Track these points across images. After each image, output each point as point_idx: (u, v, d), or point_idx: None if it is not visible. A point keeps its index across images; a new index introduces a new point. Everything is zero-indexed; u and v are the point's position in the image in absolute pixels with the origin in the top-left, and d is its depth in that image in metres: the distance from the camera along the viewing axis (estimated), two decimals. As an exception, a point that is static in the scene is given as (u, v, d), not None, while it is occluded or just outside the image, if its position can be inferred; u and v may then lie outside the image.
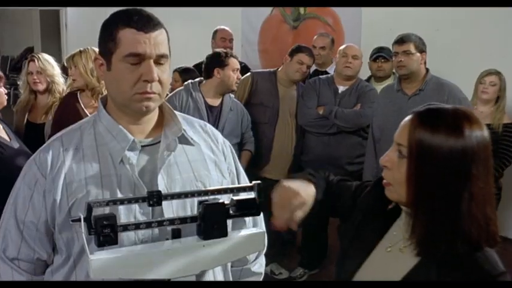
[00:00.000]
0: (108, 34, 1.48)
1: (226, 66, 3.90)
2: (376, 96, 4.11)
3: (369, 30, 6.06)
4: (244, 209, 1.41)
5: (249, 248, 1.46)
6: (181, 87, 4.03)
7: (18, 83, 4.04)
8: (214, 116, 3.92)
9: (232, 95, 4.09)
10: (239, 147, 4.12)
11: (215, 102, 3.96)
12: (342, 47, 4.35)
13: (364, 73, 5.13)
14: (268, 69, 4.62)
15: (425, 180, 1.29)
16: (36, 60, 3.83)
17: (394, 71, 4.72)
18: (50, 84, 3.84)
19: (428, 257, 1.29)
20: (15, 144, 3.08)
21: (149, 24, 1.46)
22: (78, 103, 3.46)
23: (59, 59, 8.47)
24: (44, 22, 10.77)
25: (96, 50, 3.44)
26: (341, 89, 4.21)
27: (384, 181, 1.38)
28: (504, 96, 4.26)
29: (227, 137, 3.90)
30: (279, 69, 4.49)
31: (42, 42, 10.95)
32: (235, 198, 1.41)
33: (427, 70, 3.72)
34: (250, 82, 4.41)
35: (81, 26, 8.93)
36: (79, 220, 1.28)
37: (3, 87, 3.27)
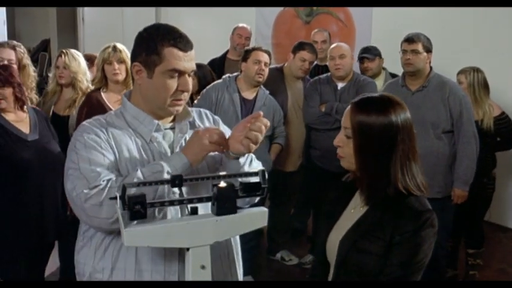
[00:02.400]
0: (152, 48, 1.84)
1: (248, 59, 4.22)
2: (375, 88, 4.37)
3: (379, 25, 6.30)
4: (250, 191, 1.72)
5: (254, 223, 1.77)
6: (219, 80, 4.35)
7: (49, 74, 4.33)
8: (247, 108, 4.22)
9: (267, 91, 4.37)
10: (270, 140, 4.41)
11: (249, 95, 4.28)
12: (330, 48, 4.59)
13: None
14: (274, 66, 4.88)
15: (367, 150, 1.78)
16: (63, 56, 4.10)
17: (384, 66, 5.02)
18: (73, 80, 4.09)
19: (374, 203, 1.78)
20: (32, 137, 3.29)
21: (188, 45, 1.86)
22: (102, 99, 3.78)
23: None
24: (61, 15, 10.99)
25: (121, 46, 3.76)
26: (340, 85, 4.46)
27: (338, 155, 1.86)
28: (477, 92, 4.37)
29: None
30: (285, 65, 4.78)
31: (58, 35, 11.17)
32: (243, 181, 1.72)
33: (431, 68, 3.97)
34: None
35: (98, 20, 9.19)
36: (115, 198, 1.61)
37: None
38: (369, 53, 4.98)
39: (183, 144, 1.95)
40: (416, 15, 5.70)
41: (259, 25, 7.55)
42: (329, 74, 4.60)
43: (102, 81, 3.85)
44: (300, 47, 4.65)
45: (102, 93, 3.81)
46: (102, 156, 1.82)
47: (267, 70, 4.26)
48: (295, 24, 7.36)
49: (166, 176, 1.75)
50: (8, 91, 3.26)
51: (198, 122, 2.07)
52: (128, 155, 1.86)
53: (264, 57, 4.23)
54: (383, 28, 6.15)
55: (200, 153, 1.84)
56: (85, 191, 1.75)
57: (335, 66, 4.43)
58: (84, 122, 1.96)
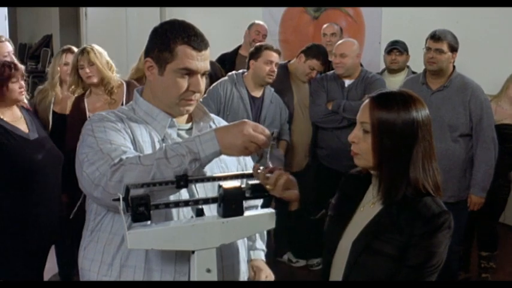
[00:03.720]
0: (165, 45, 1.82)
1: (259, 58, 4.20)
2: (384, 85, 4.33)
3: (389, 21, 6.26)
4: (258, 192, 1.71)
5: (261, 225, 1.76)
6: (225, 78, 4.32)
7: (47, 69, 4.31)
8: (256, 106, 4.21)
9: (272, 89, 4.34)
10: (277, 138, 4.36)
11: (257, 93, 4.26)
12: (335, 45, 4.57)
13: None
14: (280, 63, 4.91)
15: (386, 147, 1.74)
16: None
17: (408, 64, 5.00)
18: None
19: (391, 202, 1.74)
20: (33, 136, 3.29)
21: (202, 44, 1.83)
22: (83, 104, 3.78)
23: (78, 48, 8.75)
24: (63, 10, 10.99)
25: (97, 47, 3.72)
26: (347, 82, 4.44)
27: (353, 152, 1.82)
28: None
29: (267, 127, 4.19)
30: (291, 63, 4.75)
31: (61, 31, 11.18)
32: (250, 182, 1.71)
33: (454, 67, 3.90)
34: None
35: (101, 15, 9.16)
36: (118, 199, 1.59)
37: (19, 82, 3.35)
38: (400, 46, 4.97)
39: None
40: (427, 10, 5.64)
41: (266, 21, 7.45)
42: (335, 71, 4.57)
43: (78, 84, 3.85)
44: (314, 55, 4.55)
45: (85, 99, 3.82)
46: (123, 139, 1.80)
47: (276, 70, 4.24)
48: (303, 20, 7.32)
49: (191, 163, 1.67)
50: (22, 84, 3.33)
51: (216, 124, 2.01)
52: (144, 148, 1.84)
53: (276, 58, 4.23)
54: (393, 24, 6.11)
55: (233, 151, 1.71)
56: (110, 168, 1.68)
57: (335, 64, 4.43)
58: (100, 112, 1.95)
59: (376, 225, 1.78)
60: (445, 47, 3.81)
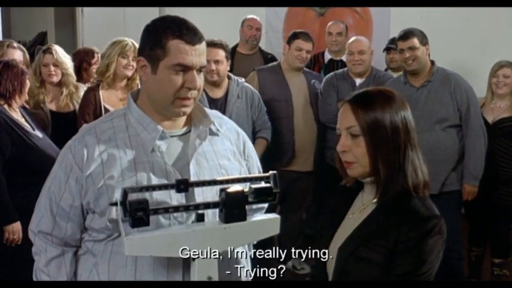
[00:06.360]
0: (156, 41, 1.78)
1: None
2: None
3: (398, 18, 6.24)
4: (261, 196, 1.70)
5: (265, 231, 1.76)
6: None
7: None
8: (219, 107, 4.00)
9: (239, 80, 4.26)
10: (253, 136, 4.27)
11: (217, 94, 4.15)
12: (348, 42, 4.59)
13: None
14: (271, 63, 4.93)
15: (382, 146, 1.74)
16: (54, 53, 4.09)
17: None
18: (64, 77, 4.12)
19: (384, 202, 1.76)
20: (39, 134, 3.41)
21: (196, 37, 1.78)
22: (99, 97, 3.81)
23: (73, 45, 8.75)
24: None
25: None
26: (358, 81, 4.48)
27: (347, 162, 1.84)
28: None
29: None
30: (282, 61, 4.77)
31: (56, 28, 11.16)
32: (253, 186, 1.70)
33: (433, 62, 4.04)
34: (257, 80, 4.62)
35: (98, 12, 9.16)
36: (116, 204, 1.59)
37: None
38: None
39: (200, 151, 1.88)
40: (437, 7, 5.64)
41: (270, 18, 7.50)
42: (345, 69, 4.59)
43: (111, 76, 3.88)
44: (295, 36, 4.65)
45: (100, 91, 3.82)
46: (70, 201, 1.84)
47: (219, 67, 4.03)
48: (308, 16, 7.30)
49: None
50: None
51: (217, 126, 1.96)
52: (120, 178, 1.78)
53: (216, 55, 4.02)
54: (403, 21, 6.06)
55: None
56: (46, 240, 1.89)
57: (354, 62, 4.44)
58: (83, 129, 1.96)
59: (363, 230, 1.77)
60: (415, 42, 3.96)
